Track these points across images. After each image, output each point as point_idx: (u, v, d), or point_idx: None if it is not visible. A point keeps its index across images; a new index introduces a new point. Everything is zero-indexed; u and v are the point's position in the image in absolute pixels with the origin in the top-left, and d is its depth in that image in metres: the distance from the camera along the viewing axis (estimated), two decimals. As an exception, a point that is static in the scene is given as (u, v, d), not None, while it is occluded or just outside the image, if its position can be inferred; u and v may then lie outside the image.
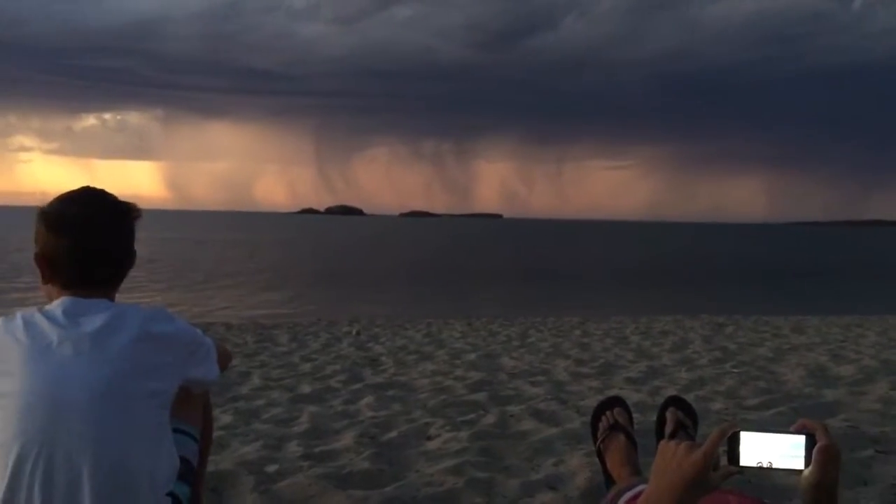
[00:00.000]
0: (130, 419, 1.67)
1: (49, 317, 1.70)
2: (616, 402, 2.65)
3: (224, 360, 2.12)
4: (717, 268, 37.50)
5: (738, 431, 1.30)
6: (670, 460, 1.33)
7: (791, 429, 1.31)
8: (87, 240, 1.76)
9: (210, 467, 3.36)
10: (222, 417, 4.51)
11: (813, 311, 15.64)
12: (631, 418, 2.63)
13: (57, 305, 1.73)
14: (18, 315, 1.71)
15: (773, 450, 1.30)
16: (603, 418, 2.59)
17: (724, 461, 1.30)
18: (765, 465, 1.29)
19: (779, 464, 1.29)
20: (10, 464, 1.59)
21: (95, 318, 1.70)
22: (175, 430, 1.88)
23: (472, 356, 7.72)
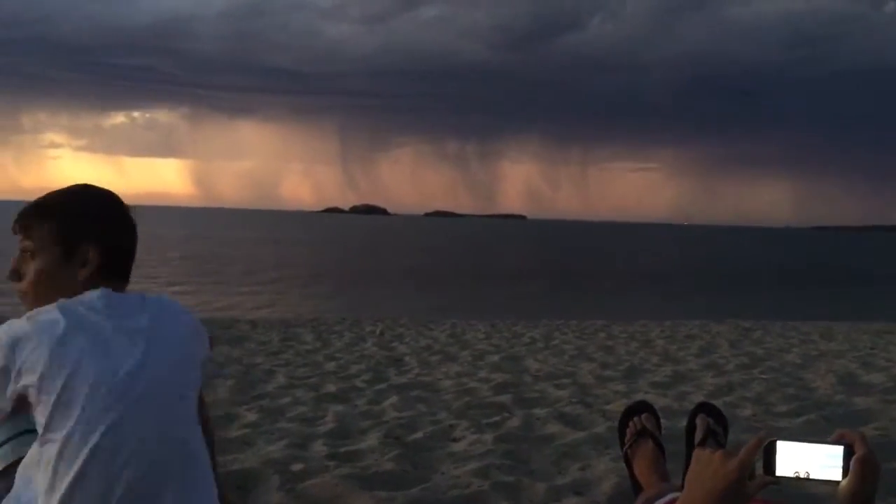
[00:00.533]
0: (188, 408, 1.73)
1: (93, 308, 1.69)
2: (644, 407, 2.62)
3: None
4: (743, 272, 37.13)
5: (775, 441, 1.27)
6: (706, 468, 1.30)
7: (829, 439, 1.28)
8: (132, 234, 1.84)
9: (236, 466, 3.38)
10: (248, 415, 4.54)
11: (841, 318, 15.42)
12: (659, 424, 2.60)
13: (95, 297, 1.72)
14: (56, 308, 1.69)
15: (810, 460, 1.26)
16: (630, 424, 2.56)
17: (759, 470, 1.27)
18: (801, 476, 1.26)
19: (816, 474, 1.26)
20: (81, 456, 1.58)
21: (140, 310, 1.72)
22: None
23: (496, 358, 7.70)
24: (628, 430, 2.54)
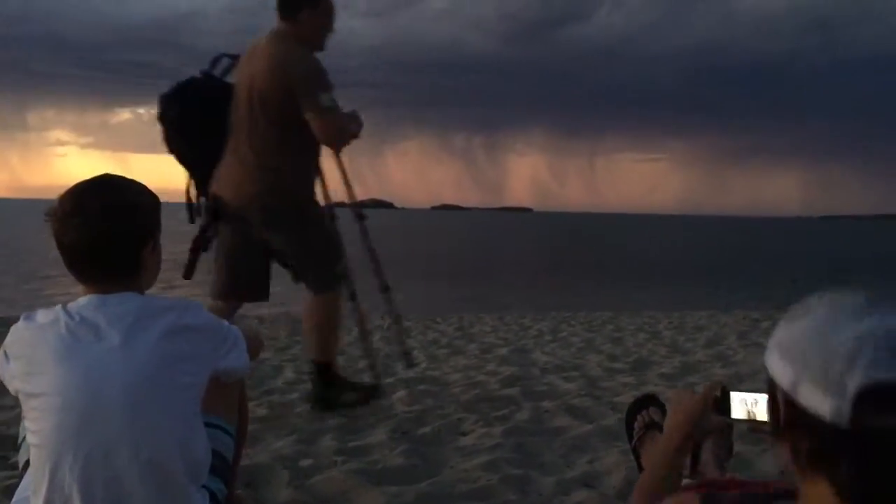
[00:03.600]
0: (165, 413, 1.67)
1: (77, 313, 1.70)
2: (651, 400, 2.62)
3: (255, 348, 2.12)
4: (751, 262, 37.02)
5: (729, 391, 1.68)
6: (678, 403, 1.71)
7: None
8: (94, 232, 1.72)
9: (245, 461, 3.38)
10: (257, 410, 4.54)
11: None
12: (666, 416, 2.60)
13: (84, 301, 1.73)
14: (39, 312, 1.71)
15: (755, 406, 1.64)
16: (639, 417, 2.55)
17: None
18: (749, 418, 1.64)
19: (760, 417, 1.61)
20: (50, 462, 1.60)
21: (124, 312, 1.70)
22: (208, 425, 1.88)
23: (504, 351, 7.69)
24: (636, 424, 2.53)
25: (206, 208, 4.11)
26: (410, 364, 6.07)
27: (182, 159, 4.22)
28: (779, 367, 0.95)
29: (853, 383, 0.85)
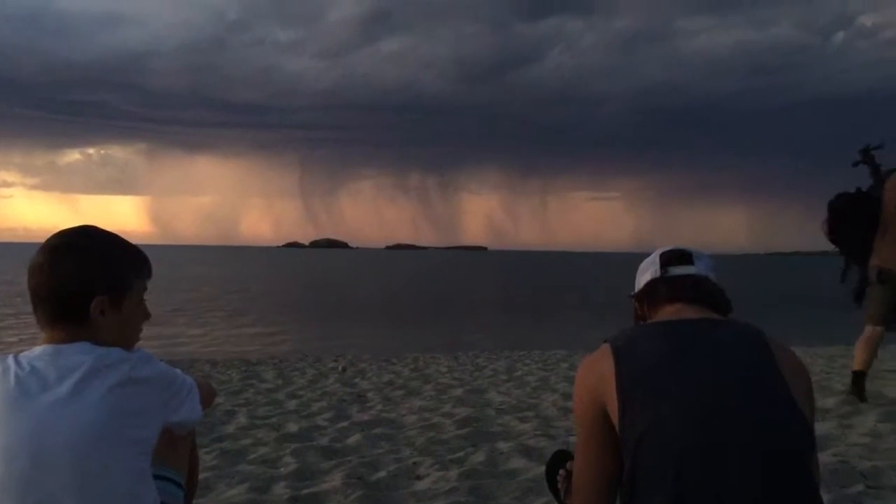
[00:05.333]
0: (112, 467, 1.63)
1: (28, 363, 1.67)
2: (566, 455, 2.50)
3: (207, 397, 2.08)
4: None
5: None
6: None
7: None
8: (46, 278, 1.72)
9: (196, 512, 3.30)
10: (207, 458, 4.45)
11: (796, 343, 15.68)
12: None
13: (37, 351, 1.70)
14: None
15: None
16: (559, 475, 2.43)
17: None
18: None
19: None
20: None
21: (76, 364, 1.67)
22: (158, 477, 1.84)
23: (460, 391, 7.67)
24: (559, 480, 2.41)
25: (872, 273, 5.85)
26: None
27: (841, 238, 6.07)
28: None
29: None
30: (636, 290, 2.06)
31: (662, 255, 2.02)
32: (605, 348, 1.79)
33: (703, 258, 2.06)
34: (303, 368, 10.28)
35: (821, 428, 5.09)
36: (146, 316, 1.93)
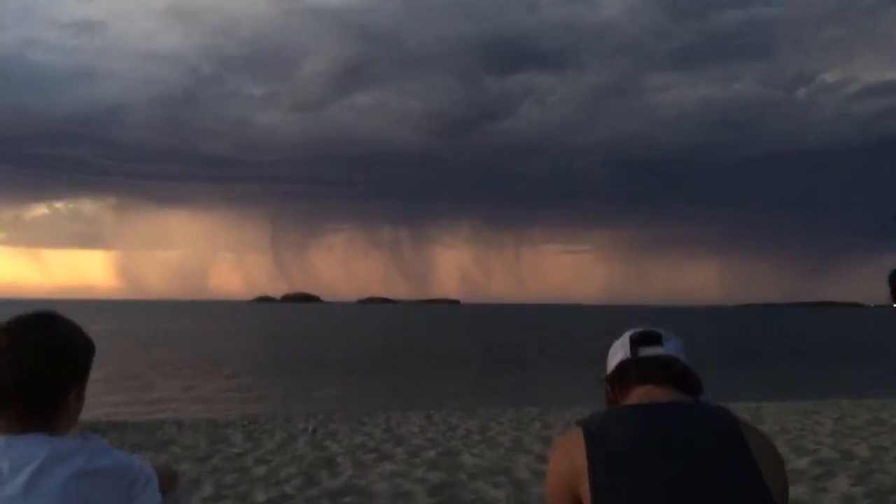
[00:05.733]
0: None
1: None
2: None
3: (167, 483, 2.02)
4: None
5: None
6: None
7: None
8: (14, 375, 1.65)
9: None
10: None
11: (770, 396, 15.75)
12: None
13: None
14: None
15: None
16: None
17: None
18: None
19: None
20: None
21: (30, 456, 1.61)
22: None
23: (432, 453, 7.56)
24: None
25: None
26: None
27: None
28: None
29: None
30: (607, 371, 2.08)
31: (632, 337, 2.05)
32: (578, 433, 1.80)
33: (672, 339, 2.09)
34: (272, 430, 10.07)
35: (794, 492, 5.07)
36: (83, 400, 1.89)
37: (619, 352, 2.08)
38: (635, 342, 2.04)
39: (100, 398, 16.86)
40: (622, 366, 2.05)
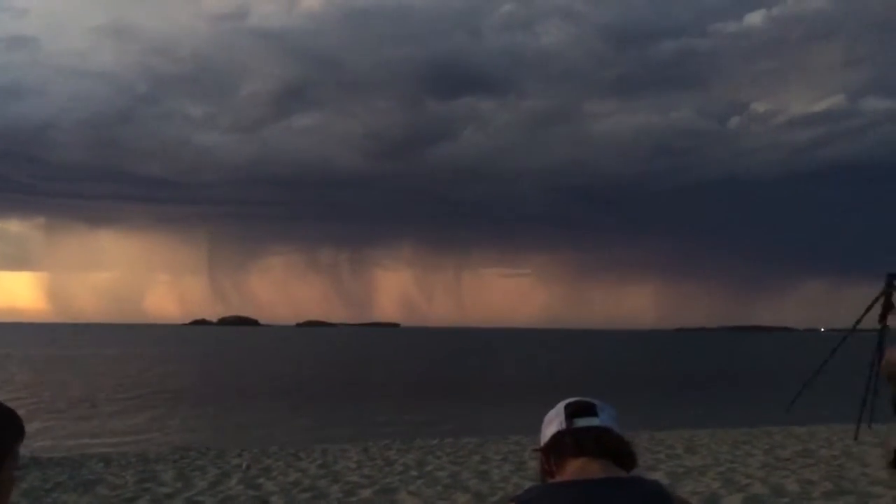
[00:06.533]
0: None
1: None
2: None
3: None
4: (610, 377, 38.22)
5: None
6: None
7: None
8: None
9: None
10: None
11: (703, 423, 16.06)
12: None
13: None
14: None
15: None
16: None
17: None
18: None
19: None
20: None
21: None
22: None
23: (369, 492, 7.46)
24: None
25: None
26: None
27: None
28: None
29: None
30: (542, 442, 2.07)
31: (568, 407, 2.05)
32: None
33: (607, 409, 2.09)
34: (204, 466, 9.80)
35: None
36: (13, 481, 1.78)
37: (553, 422, 2.07)
38: (570, 413, 2.04)
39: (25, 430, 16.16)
40: (557, 437, 2.04)
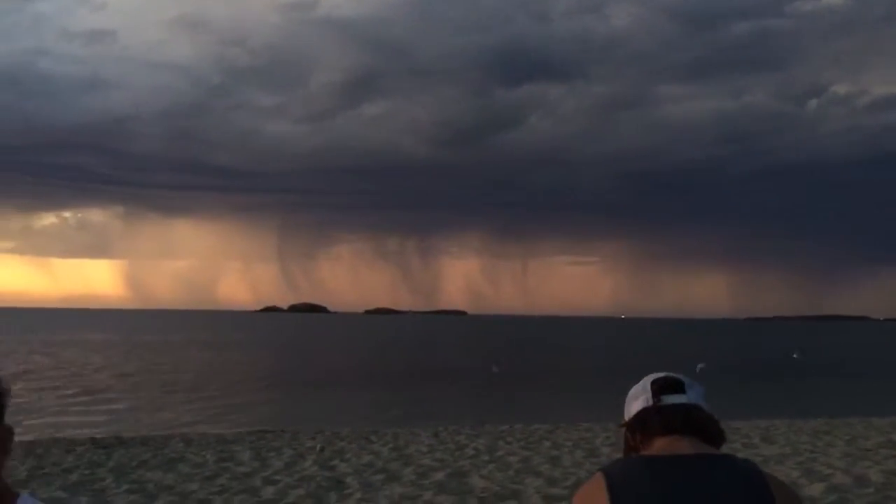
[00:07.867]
0: None
1: None
2: None
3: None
4: (685, 367, 37.57)
5: None
6: None
7: None
8: None
9: None
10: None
11: (780, 413, 15.65)
12: None
13: None
14: None
15: None
16: None
17: None
18: None
19: None
20: None
21: None
22: None
23: (441, 475, 7.52)
24: None
25: None
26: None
27: None
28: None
29: None
30: (626, 418, 2.04)
31: (654, 383, 2.00)
32: (601, 482, 1.76)
33: (695, 387, 2.04)
34: (280, 448, 10.04)
35: (809, 521, 5.01)
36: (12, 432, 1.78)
37: (639, 398, 2.03)
38: (658, 389, 1.99)
39: (107, 413, 16.86)
40: (643, 413, 1.99)
